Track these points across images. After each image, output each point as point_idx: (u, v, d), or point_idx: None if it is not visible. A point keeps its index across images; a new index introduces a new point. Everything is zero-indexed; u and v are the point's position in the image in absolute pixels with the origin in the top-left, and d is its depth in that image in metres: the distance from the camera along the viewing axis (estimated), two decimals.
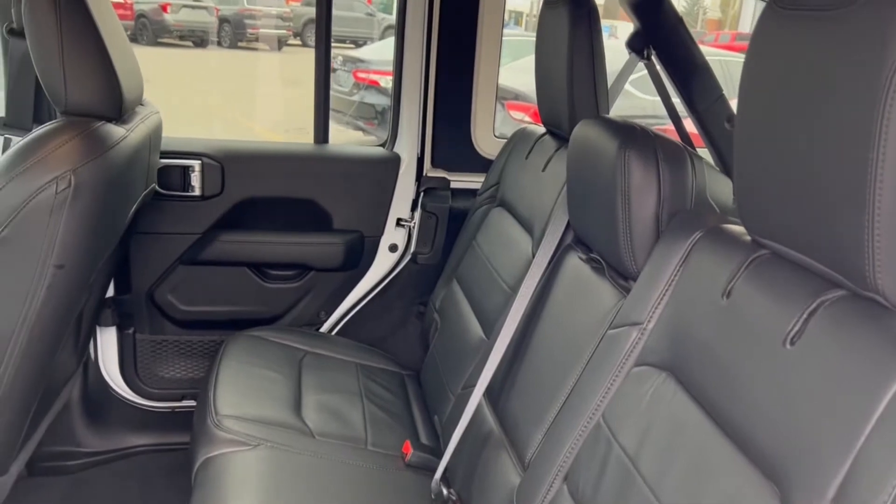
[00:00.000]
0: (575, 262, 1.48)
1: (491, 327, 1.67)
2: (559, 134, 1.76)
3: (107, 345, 2.13)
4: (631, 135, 1.25)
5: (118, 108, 1.49)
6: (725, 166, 1.82)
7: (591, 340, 1.28)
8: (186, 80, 9.04)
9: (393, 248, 2.25)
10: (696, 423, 0.97)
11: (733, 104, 1.20)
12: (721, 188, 1.31)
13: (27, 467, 2.02)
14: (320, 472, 1.51)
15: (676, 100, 1.97)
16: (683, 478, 0.94)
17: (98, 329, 2.10)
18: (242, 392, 1.71)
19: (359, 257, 2.23)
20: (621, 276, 1.32)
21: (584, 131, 1.39)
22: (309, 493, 1.44)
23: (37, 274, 1.34)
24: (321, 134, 2.23)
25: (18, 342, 1.37)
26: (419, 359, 2.07)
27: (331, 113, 2.26)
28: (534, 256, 1.57)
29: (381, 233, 2.24)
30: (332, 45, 2.18)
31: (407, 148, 2.22)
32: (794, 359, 0.84)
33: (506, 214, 1.88)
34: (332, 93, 2.23)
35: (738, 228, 1.09)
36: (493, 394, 1.53)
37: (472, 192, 2.15)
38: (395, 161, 2.21)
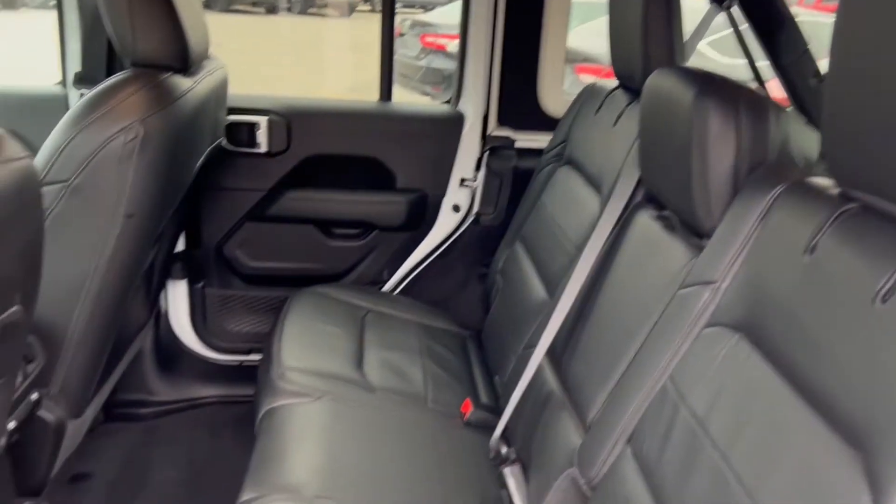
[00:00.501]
0: (645, 221, 1.42)
1: (554, 288, 1.63)
2: (631, 88, 1.68)
3: (177, 298, 2.19)
4: (709, 82, 1.17)
5: (185, 59, 1.50)
6: (811, 121, 1.71)
7: (660, 301, 1.22)
8: (257, 46, 9.16)
9: (456, 208, 2.23)
10: (771, 386, 0.92)
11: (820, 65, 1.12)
12: (806, 142, 1.22)
13: (104, 413, 2.10)
14: (380, 425, 1.52)
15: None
16: (756, 442, 0.89)
17: (169, 282, 2.16)
18: (306, 346, 1.73)
19: (421, 217, 2.21)
20: (694, 233, 1.25)
21: (658, 81, 1.32)
22: (368, 446, 1.44)
23: (108, 223, 1.37)
24: (385, 91, 2.21)
25: (91, 289, 1.41)
26: (480, 320, 2.05)
27: (398, 78, 2.23)
28: (601, 215, 1.52)
29: (444, 193, 2.21)
30: (402, 9, 2.14)
31: (472, 106, 2.17)
32: (885, 317, 0.78)
33: (573, 173, 1.82)
34: (399, 58, 2.21)
35: (823, 182, 1.01)
36: (556, 354, 1.49)
37: (537, 152, 2.10)
38: (459, 119, 2.17)
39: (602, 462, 1.17)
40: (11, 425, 1.26)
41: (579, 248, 1.56)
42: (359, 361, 1.72)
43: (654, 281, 1.29)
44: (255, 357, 2.24)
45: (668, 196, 1.33)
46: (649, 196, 1.46)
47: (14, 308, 0.88)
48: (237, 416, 2.17)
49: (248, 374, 2.19)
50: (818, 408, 0.84)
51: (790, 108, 1.79)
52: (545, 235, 1.81)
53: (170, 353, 2.21)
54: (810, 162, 1.19)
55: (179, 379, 2.21)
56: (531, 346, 1.56)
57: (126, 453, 1.98)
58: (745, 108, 1.14)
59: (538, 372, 1.48)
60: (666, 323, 1.17)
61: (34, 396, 1.35)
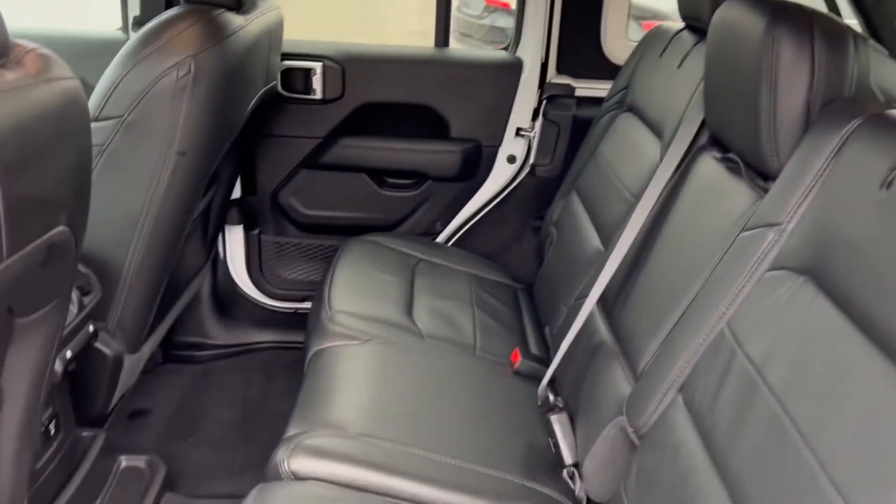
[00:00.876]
0: (708, 164, 1.35)
1: (609, 238, 1.57)
2: (698, 28, 1.59)
3: (234, 244, 2.22)
4: (782, 10, 1.09)
5: None
6: (893, 55, 1.58)
7: (720, 246, 1.16)
8: None
9: (511, 159, 2.18)
10: (837, 330, 0.86)
11: None
12: (888, 75, 1.13)
13: (162, 354, 2.17)
14: (427, 371, 1.51)
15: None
16: (817, 388, 0.84)
17: (226, 228, 2.19)
18: (357, 291, 1.72)
19: (476, 167, 2.17)
20: (760, 175, 1.18)
21: (726, 12, 1.24)
22: (415, 390, 1.44)
23: (161, 158, 1.38)
24: (441, 37, 2.16)
25: (145, 226, 1.43)
26: (533, 274, 2.00)
27: (460, 37, 2.17)
28: (661, 161, 1.45)
29: (500, 143, 2.16)
30: None
31: (531, 52, 2.11)
32: None
33: (634, 119, 1.74)
34: (461, 17, 2.15)
35: None
36: (608, 303, 1.45)
37: (598, 101, 2.02)
38: (517, 66, 2.11)
39: (652, 411, 1.12)
40: (68, 355, 1.30)
41: (637, 197, 1.50)
42: (408, 308, 1.71)
43: (714, 226, 1.22)
44: (310, 305, 2.27)
45: (734, 137, 1.25)
46: (713, 139, 1.38)
47: (60, 228, 0.89)
48: (290, 361, 2.20)
49: (302, 322, 2.22)
50: (887, 351, 0.78)
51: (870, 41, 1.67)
52: (602, 185, 1.74)
53: (226, 298, 2.25)
54: (891, 95, 1.10)
55: (235, 324, 2.26)
56: (583, 296, 1.51)
57: (182, 393, 2.04)
58: (820, 37, 1.05)
59: (589, 321, 1.44)
60: (725, 268, 1.11)
61: (91, 328, 1.39)
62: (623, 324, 1.37)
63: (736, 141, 1.24)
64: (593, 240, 1.66)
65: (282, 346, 2.26)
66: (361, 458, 1.19)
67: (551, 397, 1.42)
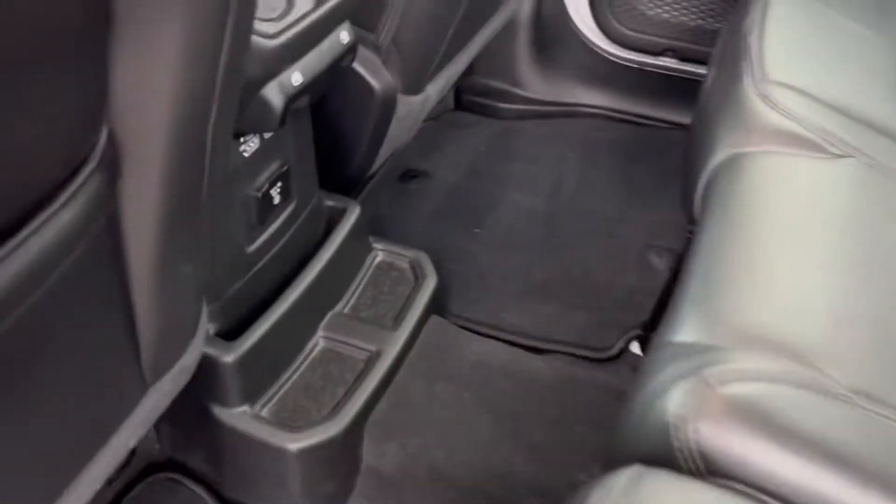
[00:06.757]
0: None
1: None
2: None
3: None
4: None
5: None
6: None
7: None
8: None
9: None
10: None
11: None
12: None
13: (454, 98, 1.59)
14: None
15: None
16: None
17: None
18: (801, 51, 0.92)
19: None
20: None
21: None
22: None
23: None
24: None
25: None
26: None
27: None
28: None
29: None
30: None
31: None
32: None
33: None
34: None
35: None
36: None
37: None
38: None
39: None
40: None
41: None
42: None
43: None
44: (674, 63, 1.49)
45: None
46: None
47: None
48: (629, 138, 1.51)
49: (661, 86, 1.50)
50: None
51: None
52: None
53: (551, 36, 1.55)
54: None
55: (559, 73, 1.58)
56: None
57: (474, 157, 1.47)
58: None
59: None
60: None
61: (346, 37, 0.79)
62: None
63: None
64: None
65: (620, 116, 1.56)
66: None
67: None
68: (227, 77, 0.46)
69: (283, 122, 0.71)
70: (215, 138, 0.49)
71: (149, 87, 0.43)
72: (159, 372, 0.64)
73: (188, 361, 0.67)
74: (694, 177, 0.84)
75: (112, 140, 0.45)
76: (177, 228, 0.53)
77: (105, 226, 0.48)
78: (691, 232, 0.84)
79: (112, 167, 0.46)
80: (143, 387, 0.63)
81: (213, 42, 0.43)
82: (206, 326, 0.74)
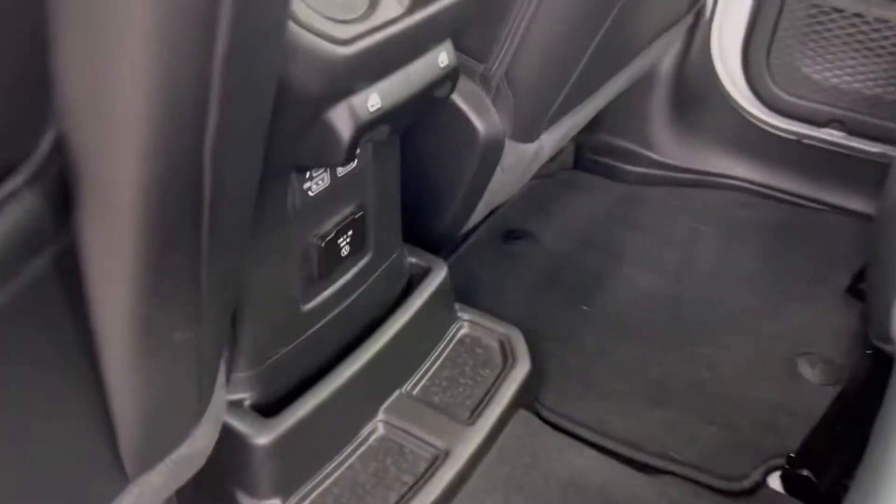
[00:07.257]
0: None
1: None
2: None
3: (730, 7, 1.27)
4: None
5: None
6: None
7: None
8: None
9: None
10: None
11: None
12: None
13: (574, 155, 1.42)
14: None
15: None
16: None
17: None
18: None
19: None
20: None
21: None
22: None
23: None
24: None
25: None
26: None
27: None
28: None
29: None
30: None
31: None
32: None
33: None
34: None
35: None
36: None
37: None
38: None
39: None
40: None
41: None
42: None
43: None
44: (840, 138, 1.26)
45: None
46: None
47: None
48: (780, 219, 1.28)
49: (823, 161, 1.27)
50: None
51: None
52: None
53: (694, 96, 1.36)
54: None
55: (698, 137, 1.37)
56: None
57: (589, 221, 1.28)
58: None
59: None
60: None
61: (448, 60, 0.64)
62: None
63: None
64: None
65: (759, 189, 1.34)
66: None
67: None
68: (231, 68, 0.31)
69: (350, 156, 0.56)
70: (220, 156, 0.34)
71: (106, 74, 0.29)
72: (146, 462, 0.49)
73: (191, 451, 0.52)
74: (888, 284, 0.62)
75: (61, 149, 0.31)
76: (164, 281, 0.38)
77: (50, 268, 0.34)
78: (872, 350, 0.62)
79: (59, 187, 0.32)
80: (121, 480, 0.48)
81: (199, 14, 0.28)
82: (222, 406, 0.59)
